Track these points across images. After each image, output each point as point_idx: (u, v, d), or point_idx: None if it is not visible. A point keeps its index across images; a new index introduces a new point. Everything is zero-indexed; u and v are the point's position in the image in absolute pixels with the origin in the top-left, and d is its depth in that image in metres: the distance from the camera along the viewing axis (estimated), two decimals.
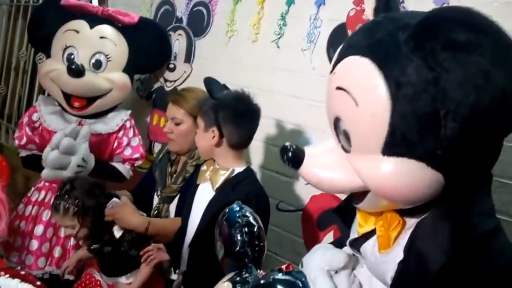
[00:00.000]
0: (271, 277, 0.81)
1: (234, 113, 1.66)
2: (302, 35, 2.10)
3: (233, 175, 1.68)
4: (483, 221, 1.08)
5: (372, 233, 1.20)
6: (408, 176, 1.03)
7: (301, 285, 0.80)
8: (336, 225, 1.89)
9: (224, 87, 1.76)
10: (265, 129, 2.22)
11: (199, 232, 1.68)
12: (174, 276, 1.91)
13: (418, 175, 1.03)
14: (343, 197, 1.47)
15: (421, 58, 0.98)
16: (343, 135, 1.12)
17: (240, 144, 1.71)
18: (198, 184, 1.77)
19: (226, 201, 1.54)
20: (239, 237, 0.97)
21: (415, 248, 1.08)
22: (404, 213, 1.13)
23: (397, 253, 1.11)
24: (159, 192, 2.05)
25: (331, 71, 1.13)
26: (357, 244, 1.25)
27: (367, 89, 1.03)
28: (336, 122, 1.13)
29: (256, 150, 2.23)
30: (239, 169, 1.70)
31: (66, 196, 1.70)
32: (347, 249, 1.30)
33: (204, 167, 1.76)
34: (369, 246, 1.19)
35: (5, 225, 0.75)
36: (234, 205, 1.03)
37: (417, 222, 1.11)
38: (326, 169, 1.14)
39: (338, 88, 1.09)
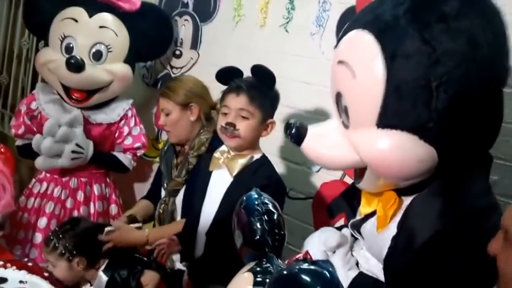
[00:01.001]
0: (296, 267, 0.76)
1: (276, 102, 1.71)
2: (311, 19, 2.07)
3: (252, 161, 1.68)
4: (477, 199, 1.10)
5: (372, 214, 1.23)
6: (401, 149, 1.06)
7: (328, 275, 0.74)
8: (345, 212, 1.88)
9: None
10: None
11: (218, 219, 1.66)
12: (179, 266, 1.91)
13: (410, 148, 1.05)
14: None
15: (417, 31, 1.02)
16: (343, 111, 1.16)
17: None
18: (211, 172, 1.74)
19: (248, 185, 1.54)
20: (258, 225, 0.93)
21: (406, 223, 1.11)
22: (401, 192, 1.16)
23: (393, 231, 1.14)
24: (165, 185, 2.04)
25: (335, 46, 1.18)
26: (358, 225, 1.29)
27: (364, 60, 1.07)
28: (337, 98, 1.17)
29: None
30: (257, 155, 1.70)
31: (61, 235, 1.66)
32: (345, 230, 1.33)
33: (217, 154, 1.73)
34: (369, 225, 1.23)
35: (11, 198, 0.73)
36: (252, 192, 1.00)
37: (412, 199, 1.13)
38: (327, 146, 1.19)
39: (340, 62, 1.13)
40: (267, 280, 0.81)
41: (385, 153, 1.07)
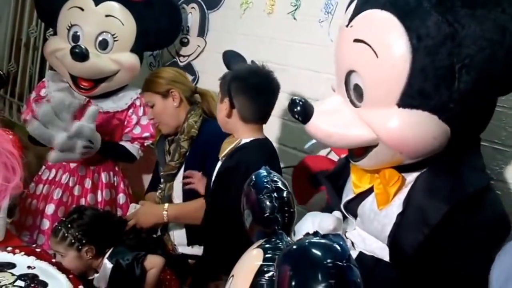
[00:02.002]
0: (306, 241, 0.74)
1: (246, 86, 1.65)
2: (320, 6, 2.04)
3: (238, 145, 1.67)
4: (477, 176, 1.17)
5: (367, 192, 1.25)
6: (421, 128, 1.09)
7: (339, 248, 0.72)
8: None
9: (244, 60, 1.76)
10: (280, 103, 2.17)
11: (209, 203, 1.73)
12: (182, 250, 1.95)
13: (429, 128, 1.09)
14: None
15: (441, 14, 1.04)
16: (354, 89, 1.16)
17: (253, 118, 1.68)
18: (220, 158, 1.77)
19: (223, 168, 1.65)
20: (268, 203, 0.92)
21: (415, 201, 1.15)
22: (402, 169, 1.19)
23: (396, 207, 1.18)
24: (161, 172, 2.10)
25: (347, 25, 1.17)
26: (352, 205, 1.30)
27: (388, 41, 1.08)
28: (348, 76, 1.17)
29: (271, 124, 2.18)
30: (245, 140, 1.68)
31: (69, 225, 1.66)
32: (336, 213, 1.34)
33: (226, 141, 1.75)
34: (368, 204, 1.24)
35: (20, 180, 0.73)
36: (261, 170, 0.99)
37: (416, 176, 1.18)
38: (336, 125, 1.19)
39: (357, 40, 1.12)
40: (277, 257, 0.80)
41: (405, 132, 1.09)
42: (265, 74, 1.67)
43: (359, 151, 1.21)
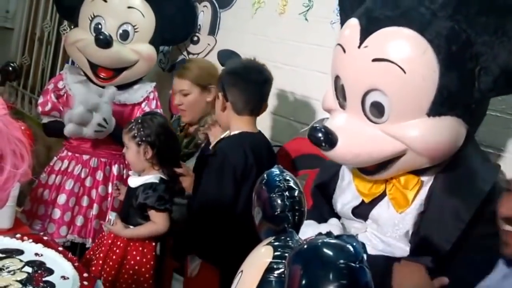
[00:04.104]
0: (319, 240, 0.72)
1: (237, 77, 1.72)
2: (332, 7, 2.03)
3: (225, 136, 1.74)
4: (490, 167, 1.25)
5: (378, 198, 1.28)
6: (449, 132, 1.15)
7: (352, 249, 0.70)
8: (312, 171, 1.87)
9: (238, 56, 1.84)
10: (289, 105, 2.18)
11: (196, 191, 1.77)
12: None
13: (456, 130, 1.16)
14: None
15: (457, 22, 1.11)
16: (372, 106, 1.18)
17: (245, 110, 1.73)
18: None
19: (205, 156, 1.71)
20: (279, 201, 0.92)
21: (440, 200, 1.20)
22: (418, 172, 1.23)
23: (416, 207, 1.22)
24: None
25: (359, 45, 1.18)
26: (360, 210, 1.32)
27: (414, 55, 1.12)
28: (365, 95, 1.18)
29: (280, 126, 2.20)
30: (234, 132, 1.73)
31: (139, 121, 1.74)
32: (332, 220, 1.37)
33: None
34: (384, 207, 1.27)
35: (28, 168, 0.74)
36: (274, 168, 0.99)
37: (434, 176, 1.22)
38: (360, 144, 1.20)
39: (377, 59, 1.14)
40: (287, 254, 0.79)
41: (437, 139, 1.14)
42: (256, 66, 1.74)
43: (372, 167, 1.23)
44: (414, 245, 1.22)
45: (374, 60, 1.15)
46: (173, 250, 1.78)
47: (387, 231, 1.26)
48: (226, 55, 1.79)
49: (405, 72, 1.11)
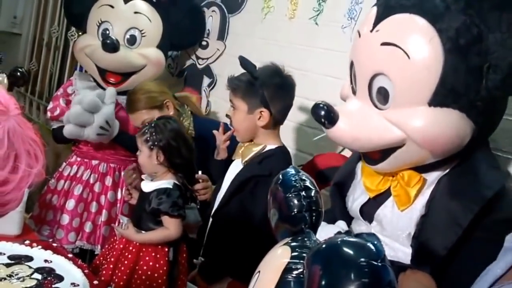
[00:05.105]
0: (338, 239, 0.71)
1: (279, 89, 1.67)
2: (343, 12, 2.02)
3: (263, 151, 1.68)
4: (497, 174, 1.22)
5: (383, 196, 1.28)
6: (450, 125, 1.13)
7: (373, 247, 0.68)
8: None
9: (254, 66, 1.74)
10: (300, 110, 2.16)
11: (222, 204, 1.71)
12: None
13: (458, 125, 1.14)
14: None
15: (470, 16, 1.10)
16: (378, 92, 1.19)
17: (282, 120, 1.72)
18: (233, 160, 1.79)
19: (250, 174, 1.64)
20: (296, 201, 0.90)
21: (441, 203, 1.18)
22: (422, 170, 1.22)
23: (418, 208, 1.21)
24: None
25: (371, 30, 1.20)
26: (367, 209, 1.32)
27: (420, 43, 1.12)
28: (372, 79, 1.20)
29: (290, 131, 2.18)
30: (271, 146, 1.69)
31: (152, 125, 1.72)
32: (340, 223, 1.36)
33: (240, 144, 1.77)
34: (388, 207, 1.26)
35: (42, 168, 0.73)
36: (290, 169, 0.97)
37: (438, 178, 1.22)
38: (362, 127, 1.20)
39: (385, 43, 1.16)
40: (305, 255, 0.78)
41: (437, 130, 1.13)
42: (284, 72, 1.70)
43: (376, 155, 1.23)
44: (414, 249, 1.21)
45: (383, 44, 1.16)
46: (204, 272, 1.73)
47: (391, 233, 1.25)
48: (247, 62, 1.71)
49: (409, 58, 1.12)
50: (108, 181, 2.29)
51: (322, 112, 1.21)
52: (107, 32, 2.28)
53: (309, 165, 1.90)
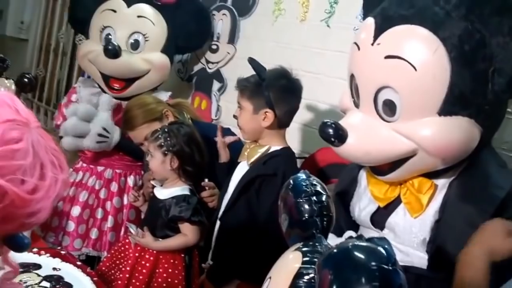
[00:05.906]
0: (349, 243, 0.71)
1: (284, 92, 1.67)
2: (355, 13, 1.99)
3: (269, 151, 1.69)
4: (506, 173, 1.22)
5: (393, 203, 1.26)
6: (461, 132, 1.14)
7: (384, 252, 0.68)
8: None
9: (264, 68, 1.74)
10: (311, 113, 2.14)
11: (228, 206, 1.71)
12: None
13: (468, 131, 1.14)
14: None
15: (471, 22, 1.11)
16: (384, 104, 1.19)
17: (288, 122, 1.72)
18: (239, 162, 1.78)
19: (255, 174, 1.65)
20: (306, 206, 0.90)
21: (455, 207, 1.18)
22: (432, 176, 1.22)
23: (431, 213, 1.20)
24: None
25: (373, 43, 1.19)
26: (378, 218, 1.30)
27: (425, 53, 1.12)
28: (377, 93, 1.19)
29: (302, 134, 2.17)
30: (275, 147, 1.70)
31: (166, 130, 1.71)
32: (349, 233, 1.34)
33: (245, 145, 1.77)
34: (400, 215, 1.25)
35: (67, 177, 0.73)
36: (300, 173, 0.97)
37: (449, 183, 1.21)
38: (372, 141, 1.20)
39: (389, 56, 1.15)
40: (316, 260, 0.78)
41: (448, 139, 1.13)
42: (291, 74, 1.70)
43: (386, 166, 1.23)
44: (430, 254, 1.20)
45: (387, 57, 1.15)
46: (212, 276, 1.71)
47: (404, 239, 1.24)
48: (258, 64, 1.70)
49: (416, 70, 1.12)
50: (114, 187, 2.27)
51: (331, 131, 1.19)
52: (110, 37, 2.25)
53: (310, 161, 1.93)
